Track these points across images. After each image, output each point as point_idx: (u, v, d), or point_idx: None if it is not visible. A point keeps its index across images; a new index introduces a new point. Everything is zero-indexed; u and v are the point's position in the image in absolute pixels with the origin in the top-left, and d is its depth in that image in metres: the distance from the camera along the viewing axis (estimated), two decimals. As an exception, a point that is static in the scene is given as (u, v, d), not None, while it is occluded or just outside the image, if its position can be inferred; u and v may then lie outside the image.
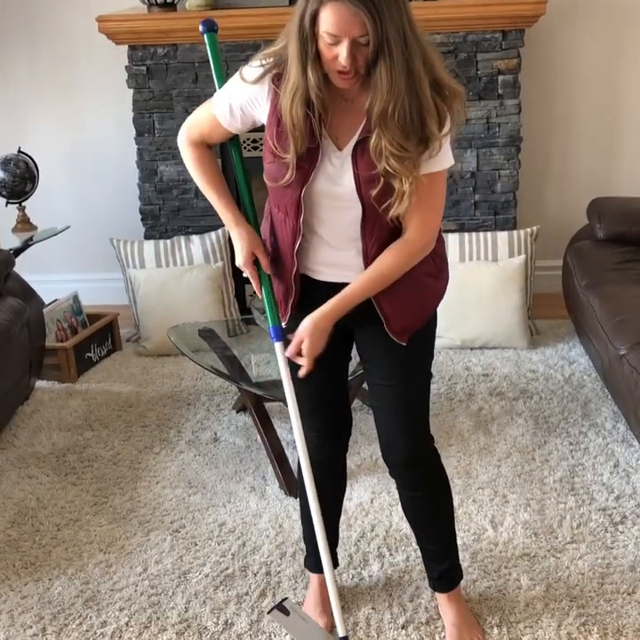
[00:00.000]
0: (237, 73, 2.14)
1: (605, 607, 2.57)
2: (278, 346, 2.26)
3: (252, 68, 2.11)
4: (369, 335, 2.29)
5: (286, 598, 2.28)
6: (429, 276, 2.25)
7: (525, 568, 2.76)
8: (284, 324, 2.27)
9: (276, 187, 2.12)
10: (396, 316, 2.21)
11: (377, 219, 2.10)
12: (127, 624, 2.59)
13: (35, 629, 2.58)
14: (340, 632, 2.25)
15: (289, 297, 2.25)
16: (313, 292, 2.22)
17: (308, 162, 2.07)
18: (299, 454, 2.30)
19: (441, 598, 2.55)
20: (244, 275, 2.27)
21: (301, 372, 2.20)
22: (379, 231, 2.12)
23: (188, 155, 2.29)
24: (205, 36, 2.26)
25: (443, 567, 2.50)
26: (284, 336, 2.25)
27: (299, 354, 2.19)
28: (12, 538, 3.04)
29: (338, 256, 2.18)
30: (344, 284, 2.18)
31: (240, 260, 2.24)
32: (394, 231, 2.14)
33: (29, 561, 2.91)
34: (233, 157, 2.31)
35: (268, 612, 2.20)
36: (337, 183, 2.09)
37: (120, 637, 2.54)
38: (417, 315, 2.25)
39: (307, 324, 2.17)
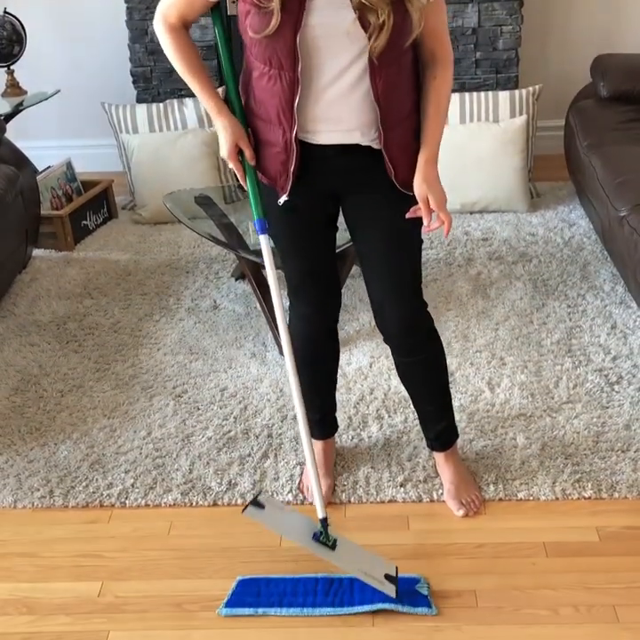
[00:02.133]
0: None
1: (600, 464, 2.63)
2: (263, 239, 2.20)
3: None
4: (362, 200, 2.22)
5: (260, 493, 2.24)
6: (418, 112, 2.15)
7: (521, 428, 2.81)
8: (285, 198, 2.17)
9: (262, 38, 1.95)
10: (403, 165, 2.13)
11: (385, 50, 1.94)
12: (133, 485, 2.66)
13: (42, 492, 2.65)
14: (320, 513, 2.23)
15: (289, 163, 2.12)
16: (313, 161, 2.13)
17: (297, 2, 1.91)
18: (281, 337, 2.26)
19: (438, 457, 2.59)
20: (229, 167, 2.19)
21: (446, 231, 2.15)
22: (387, 66, 1.98)
23: (166, 42, 2.14)
24: None
25: (439, 427, 2.55)
26: (269, 229, 2.20)
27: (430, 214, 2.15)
28: (16, 404, 3.09)
29: (338, 109, 2.05)
30: (343, 146, 2.10)
31: (224, 152, 2.15)
32: (401, 63, 2.03)
33: (34, 426, 2.96)
34: (216, 35, 2.17)
35: (243, 511, 2.18)
36: (334, 19, 1.93)
37: (126, 498, 2.61)
38: (416, 160, 2.16)
39: (419, 185, 2.12)
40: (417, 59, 2.11)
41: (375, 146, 2.12)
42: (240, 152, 2.16)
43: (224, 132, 2.14)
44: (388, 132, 2.07)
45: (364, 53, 1.96)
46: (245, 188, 2.20)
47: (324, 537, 2.21)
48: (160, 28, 2.15)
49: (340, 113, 2.06)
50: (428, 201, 2.14)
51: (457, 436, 2.60)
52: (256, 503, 2.19)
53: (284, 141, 2.10)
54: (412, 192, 2.17)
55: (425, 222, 2.17)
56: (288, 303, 2.48)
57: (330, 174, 2.16)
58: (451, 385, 3.04)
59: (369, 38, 1.93)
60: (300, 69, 1.98)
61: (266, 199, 2.22)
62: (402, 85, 2.07)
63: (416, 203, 2.19)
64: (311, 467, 2.28)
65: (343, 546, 2.23)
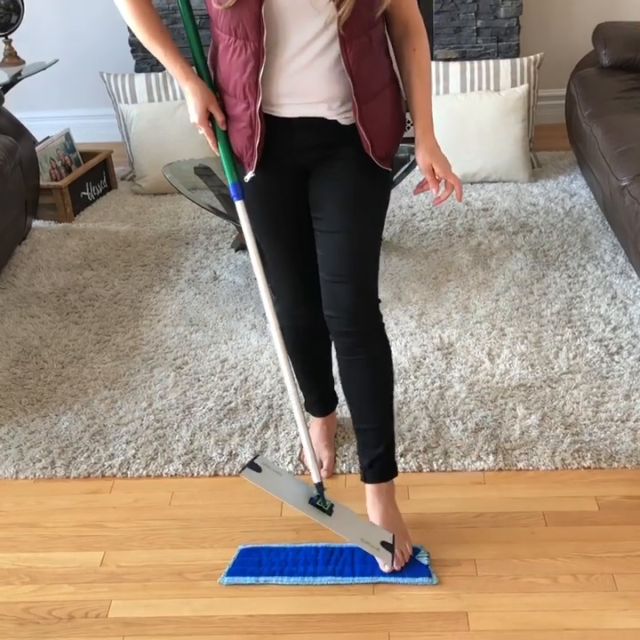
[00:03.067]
0: None
1: (599, 434, 2.64)
2: (239, 204, 2.14)
3: None
4: (325, 176, 2.12)
5: (257, 455, 2.20)
6: (394, 82, 2.10)
7: (521, 398, 2.82)
8: (251, 174, 2.10)
9: (227, 8, 1.91)
10: (381, 139, 2.07)
11: (354, 19, 1.90)
12: (134, 456, 2.67)
13: (44, 463, 2.66)
14: (315, 478, 2.20)
15: (254, 137, 2.04)
16: (278, 135, 2.06)
17: None
18: (268, 320, 2.17)
19: (369, 491, 2.32)
20: (200, 133, 2.12)
21: (458, 195, 2.11)
22: (357, 37, 1.93)
23: (125, 7, 2.04)
24: None
25: (375, 453, 2.27)
26: (245, 194, 2.13)
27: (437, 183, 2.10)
28: (17, 376, 3.09)
29: (304, 81, 1.99)
30: (308, 120, 2.03)
31: (194, 118, 2.07)
32: (371, 35, 1.97)
33: (35, 398, 2.97)
34: (179, 6, 2.10)
35: (240, 472, 2.14)
36: None
37: (128, 469, 2.63)
38: (397, 135, 2.13)
39: (422, 156, 2.07)
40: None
41: (342, 121, 2.05)
42: (211, 117, 2.08)
43: (193, 96, 2.06)
44: (363, 106, 2.01)
45: (332, 24, 1.91)
46: (217, 153, 2.14)
47: (320, 501, 2.19)
48: None
49: (305, 85, 2.00)
50: (433, 171, 2.09)
51: (395, 472, 2.31)
52: (253, 466, 2.18)
53: (249, 115, 2.03)
54: (389, 166, 2.13)
55: (434, 192, 2.13)
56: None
57: (296, 149, 2.09)
58: (450, 356, 3.05)
59: (337, 8, 1.88)
60: (265, 39, 1.92)
61: (241, 179, 2.16)
62: (374, 57, 2.01)
63: (384, 180, 2.15)
64: (303, 432, 2.20)
65: (340, 512, 2.21)
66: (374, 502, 2.30)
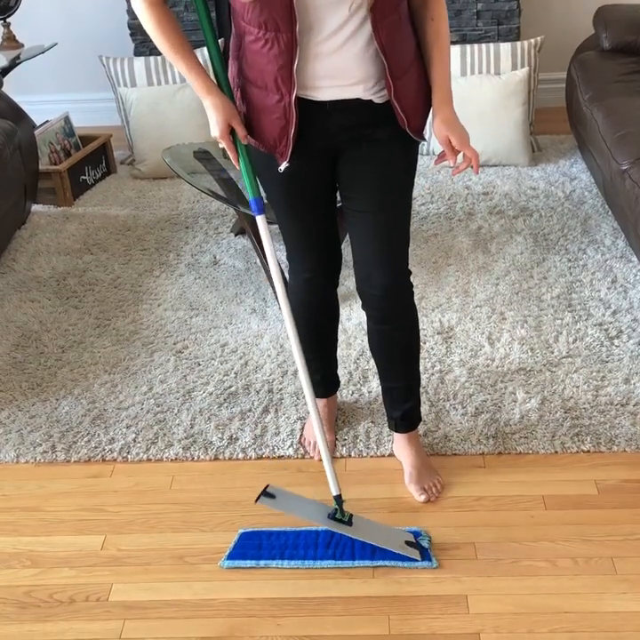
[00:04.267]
0: None
1: (599, 418, 2.64)
2: (260, 219, 2.14)
3: None
4: (358, 156, 2.14)
5: (267, 485, 2.26)
6: (419, 54, 2.11)
7: (521, 382, 2.82)
8: (286, 164, 2.10)
9: (256, 1, 1.89)
10: (416, 112, 2.09)
11: (384, 0, 1.92)
12: (134, 440, 2.67)
13: (45, 447, 2.67)
14: (334, 490, 2.24)
15: (289, 127, 2.04)
16: (312, 119, 2.06)
17: None
18: (280, 305, 2.21)
19: (400, 440, 2.52)
20: (220, 146, 2.12)
21: (475, 168, 2.12)
22: (389, 15, 1.95)
23: (147, 18, 2.02)
24: None
25: (406, 406, 2.47)
26: (265, 209, 2.15)
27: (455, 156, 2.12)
28: (17, 360, 3.09)
29: (338, 63, 2.00)
30: (344, 102, 2.04)
31: (215, 133, 2.07)
32: (400, 11, 1.99)
33: (36, 382, 2.97)
34: (198, 13, 2.07)
35: (256, 501, 2.22)
36: None
37: (128, 453, 2.63)
38: (426, 103, 2.13)
39: (437, 127, 2.08)
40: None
41: (377, 100, 2.06)
42: (232, 131, 2.08)
43: (215, 111, 2.06)
44: (397, 82, 2.02)
45: (362, 6, 1.92)
46: (238, 167, 2.14)
47: (339, 514, 2.23)
48: (138, 3, 2.03)
49: (340, 67, 2.01)
50: (450, 142, 2.10)
51: (420, 419, 2.53)
52: (267, 494, 2.23)
53: (283, 106, 2.03)
54: (422, 137, 2.14)
55: (451, 163, 2.15)
56: (287, 266, 2.46)
57: (329, 132, 2.10)
58: (450, 340, 3.05)
59: None
60: (297, 29, 1.92)
61: (263, 168, 2.17)
62: (403, 33, 2.03)
63: (416, 152, 2.18)
64: (322, 445, 2.24)
65: (359, 521, 2.26)
66: (405, 447, 2.50)
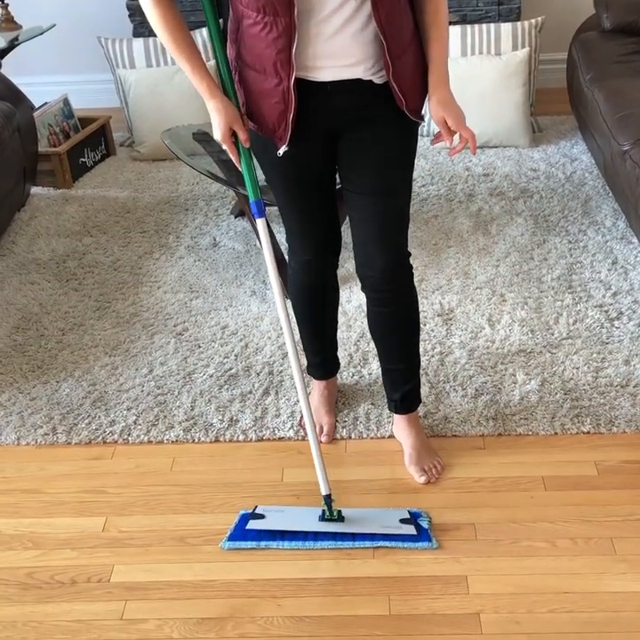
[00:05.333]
0: None
1: (599, 399, 2.64)
2: (260, 222, 2.15)
3: None
4: (358, 137, 2.13)
5: (256, 507, 2.30)
6: (417, 34, 2.10)
7: (521, 363, 2.82)
8: (285, 148, 2.09)
9: None
10: (413, 92, 2.09)
11: None
12: (135, 422, 2.68)
13: (45, 429, 2.67)
14: (323, 490, 2.24)
15: (288, 112, 2.03)
16: (311, 99, 2.04)
17: None
18: (273, 288, 2.22)
19: (400, 421, 2.52)
20: (222, 148, 2.12)
21: (472, 148, 2.11)
22: None
23: (154, 14, 2.02)
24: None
25: (406, 388, 2.48)
26: (265, 212, 2.15)
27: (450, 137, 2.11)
28: (17, 342, 3.10)
29: (338, 43, 1.98)
30: (344, 82, 2.03)
31: (217, 136, 2.08)
32: None
33: (36, 364, 2.97)
34: (204, 11, 2.08)
35: (245, 527, 2.24)
36: None
37: (129, 435, 2.63)
38: (424, 83, 2.12)
39: (434, 108, 2.08)
40: None
41: (377, 80, 2.05)
42: (234, 134, 2.09)
43: (217, 114, 2.07)
44: (395, 62, 2.01)
45: None
46: (240, 169, 2.14)
47: (328, 514, 2.25)
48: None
49: (340, 47, 1.99)
50: (446, 122, 2.09)
51: (420, 400, 2.54)
52: (256, 516, 2.27)
53: (281, 91, 2.02)
54: (421, 118, 2.14)
55: (448, 144, 2.15)
56: (286, 248, 2.46)
57: (329, 113, 2.09)
58: (451, 322, 3.05)
59: None
60: (296, 13, 1.90)
61: (262, 152, 2.17)
62: (402, 13, 2.01)
63: (415, 134, 2.17)
64: (312, 440, 2.26)
65: (350, 515, 2.27)
66: (404, 428, 2.51)
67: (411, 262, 2.33)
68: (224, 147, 2.12)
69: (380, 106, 2.09)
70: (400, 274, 2.32)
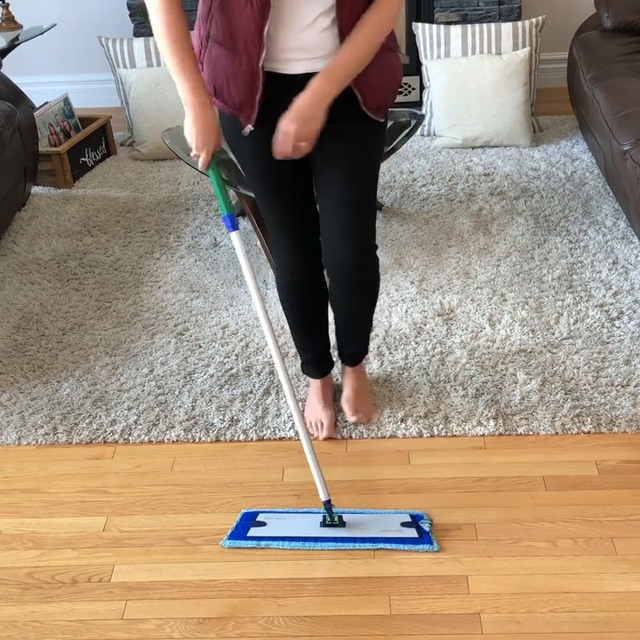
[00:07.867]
0: None
1: (599, 399, 2.64)
2: (234, 235, 2.14)
3: None
4: (330, 131, 2.09)
5: (257, 514, 2.31)
6: (390, 51, 2.11)
7: (522, 363, 2.82)
8: (251, 128, 2.09)
9: None
10: (372, 89, 2.09)
11: None
12: (136, 422, 2.68)
13: (46, 429, 2.67)
14: (323, 496, 2.24)
15: (255, 91, 2.04)
16: (280, 92, 2.04)
17: None
18: (259, 316, 2.22)
19: (347, 369, 2.66)
20: (192, 154, 2.09)
21: (302, 152, 2.06)
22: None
23: (159, 21, 2.00)
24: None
25: (356, 347, 2.62)
26: (239, 225, 2.14)
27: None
28: (18, 342, 3.10)
29: (309, 37, 2.00)
30: (313, 75, 2.01)
31: (191, 142, 2.05)
32: None
33: (37, 364, 2.97)
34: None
35: (246, 534, 2.24)
36: None
37: (130, 434, 2.64)
38: (389, 88, 2.15)
39: (302, 94, 2.01)
40: None
41: None
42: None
43: (194, 116, 2.03)
44: None
45: None
46: (206, 174, 2.14)
47: (329, 520, 2.25)
48: (154, 1, 2.01)
49: (313, 41, 2.01)
50: (288, 132, 2.02)
51: (367, 350, 2.67)
52: (257, 524, 2.27)
53: (250, 70, 2.02)
54: (382, 117, 2.16)
55: (277, 153, 2.06)
56: (272, 251, 2.45)
57: None
58: (451, 322, 3.06)
59: None
60: None
61: (231, 133, 2.17)
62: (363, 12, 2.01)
63: (379, 132, 2.19)
64: (309, 453, 2.25)
65: (351, 519, 2.27)
66: (349, 373, 2.66)
67: (377, 255, 2.37)
68: (193, 153, 2.10)
69: (344, 102, 2.08)
70: (366, 265, 2.35)
